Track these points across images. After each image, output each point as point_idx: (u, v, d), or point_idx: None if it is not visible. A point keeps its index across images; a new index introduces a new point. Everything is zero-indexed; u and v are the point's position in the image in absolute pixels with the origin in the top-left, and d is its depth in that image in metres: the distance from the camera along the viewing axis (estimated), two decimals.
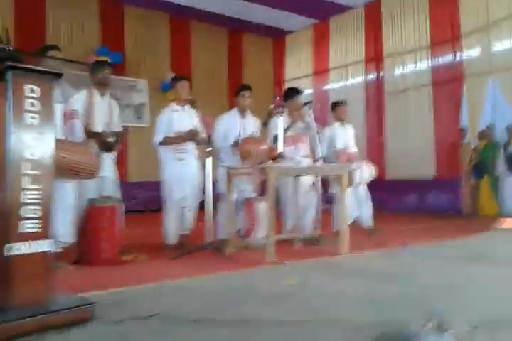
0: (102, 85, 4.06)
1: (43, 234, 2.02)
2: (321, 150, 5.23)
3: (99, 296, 2.67)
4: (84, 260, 3.68)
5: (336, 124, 5.38)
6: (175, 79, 4.50)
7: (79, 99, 3.91)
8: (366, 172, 5.03)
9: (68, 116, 3.47)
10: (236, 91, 4.71)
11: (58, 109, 3.36)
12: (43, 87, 1.96)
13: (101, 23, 8.85)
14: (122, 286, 2.90)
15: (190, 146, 4.38)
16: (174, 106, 4.47)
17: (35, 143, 1.93)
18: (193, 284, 3.03)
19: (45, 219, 2.02)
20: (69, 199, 3.49)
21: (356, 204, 5.27)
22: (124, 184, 8.58)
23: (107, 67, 4.11)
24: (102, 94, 4.07)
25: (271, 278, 3.20)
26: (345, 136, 5.35)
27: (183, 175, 4.30)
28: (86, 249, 3.70)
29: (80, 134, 3.58)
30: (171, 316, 2.25)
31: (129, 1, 8.98)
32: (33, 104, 1.93)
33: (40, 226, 1.99)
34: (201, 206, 4.24)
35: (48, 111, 1.98)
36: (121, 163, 8.75)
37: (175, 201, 4.33)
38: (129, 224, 4.58)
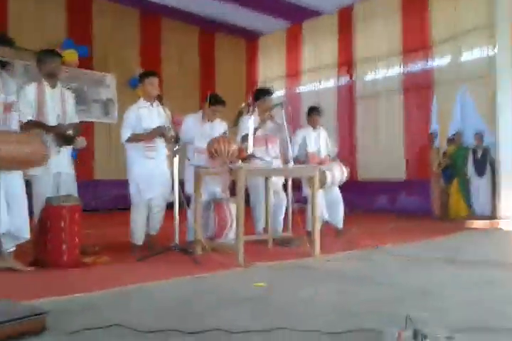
0: (51, 76, 3.86)
1: None
2: (292, 152, 5.19)
3: (55, 303, 2.49)
4: (41, 261, 3.47)
5: (309, 128, 5.35)
6: (143, 75, 4.32)
7: (29, 92, 3.75)
8: (338, 174, 4.98)
9: (7, 107, 3.23)
10: (209, 99, 4.47)
11: None
12: None
13: (67, 14, 8.56)
14: (80, 292, 2.71)
15: (160, 144, 4.21)
16: (142, 102, 4.29)
17: None
18: (157, 289, 2.87)
19: None
20: (19, 191, 3.26)
21: (328, 205, 5.21)
22: (91, 181, 8.43)
23: (56, 57, 3.90)
24: (53, 86, 3.88)
25: (239, 281, 3.08)
26: (318, 140, 5.31)
27: (152, 174, 4.13)
28: (44, 250, 3.48)
29: (15, 127, 3.33)
30: (130, 326, 2.09)
31: None
32: None
33: None
34: (170, 205, 4.07)
35: None
36: (87, 160, 8.58)
37: (143, 200, 4.16)
38: (95, 224, 4.41)
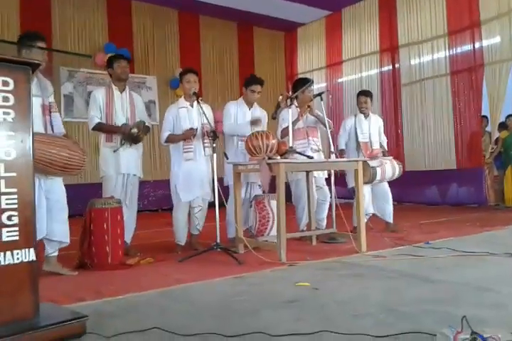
0: (119, 80, 4.07)
1: (24, 243, 1.83)
2: (339, 143, 5.02)
3: (96, 306, 2.50)
4: (86, 264, 3.51)
5: (360, 116, 5.10)
6: (181, 74, 4.30)
7: (98, 96, 3.98)
8: (389, 171, 4.74)
9: (46, 108, 3.27)
10: (245, 81, 4.46)
11: (37, 101, 3.16)
12: (18, 79, 1.76)
13: (108, 18, 8.68)
14: (122, 293, 2.71)
15: (199, 144, 4.17)
16: (181, 102, 4.28)
17: (9, 142, 1.74)
18: (199, 290, 2.82)
19: (25, 225, 1.83)
20: (60, 196, 3.29)
21: (375, 200, 5.01)
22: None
23: (122, 61, 4.08)
24: (122, 90, 4.08)
25: (282, 281, 2.98)
26: (368, 129, 5.05)
27: (191, 176, 4.12)
28: (88, 253, 3.53)
29: (60, 128, 3.38)
30: (170, 329, 2.04)
31: None
32: (6, 98, 1.74)
33: (19, 233, 1.80)
34: (212, 204, 4.03)
35: (24, 105, 1.79)
36: None
37: (183, 201, 4.15)
38: (142, 224, 4.44)
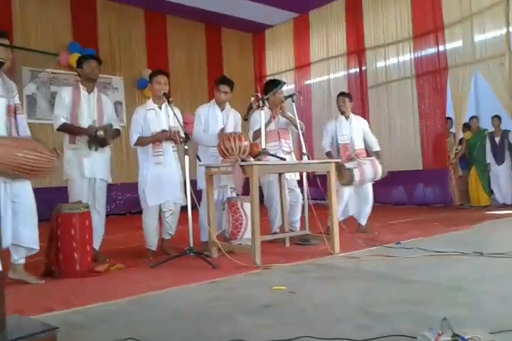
0: (88, 81, 3.96)
1: None
2: (323, 146, 5.05)
3: (66, 316, 2.40)
4: (54, 272, 3.38)
5: (340, 117, 5.12)
6: (151, 75, 4.21)
7: (64, 95, 3.85)
8: (369, 171, 4.76)
9: (12, 110, 3.14)
10: (215, 82, 4.42)
11: (1, 102, 3.05)
12: None
13: (72, 16, 8.43)
14: (92, 302, 2.61)
15: (168, 147, 4.09)
16: (150, 104, 4.17)
17: None
18: (173, 297, 2.75)
19: None
20: (28, 200, 3.16)
21: (357, 200, 5.04)
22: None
23: (92, 61, 3.96)
24: (90, 91, 3.97)
25: (258, 285, 2.94)
26: (349, 130, 5.06)
27: (162, 179, 4.02)
28: (55, 260, 3.39)
29: (26, 130, 3.25)
30: (147, 338, 1.97)
31: None
32: None
33: None
34: (184, 207, 3.95)
35: None
36: None
37: (152, 206, 4.05)
38: (110, 229, 4.33)
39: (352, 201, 5.01)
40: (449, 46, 7.66)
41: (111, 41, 8.93)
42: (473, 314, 2.17)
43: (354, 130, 5.09)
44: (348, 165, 4.61)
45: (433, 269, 3.20)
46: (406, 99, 8.27)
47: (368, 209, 5.08)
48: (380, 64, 8.68)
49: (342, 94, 5.22)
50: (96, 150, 3.87)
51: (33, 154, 2.82)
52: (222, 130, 4.26)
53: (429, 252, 3.70)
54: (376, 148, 5.24)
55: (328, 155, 5.05)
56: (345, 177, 4.67)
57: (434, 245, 3.97)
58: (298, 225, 4.67)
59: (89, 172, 3.87)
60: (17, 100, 3.23)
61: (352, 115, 5.18)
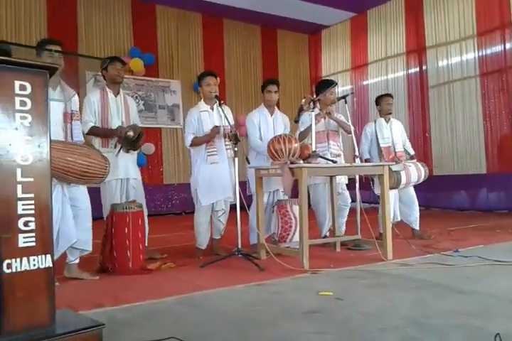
0: (113, 83, 3.99)
1: (40, 249, 1.80)
2: (361, 150, 4.90)
3: (114, 312, 2.47)
4: (108, 269, 3.50)
5: (380, 120, 4.98)
6: (200, 76, 4.25)
7: (93, 99, 3.88)
8: (414, 174, 4.60)
9: (68, 117, 3.25)
10: (262, 86, 4.43)
11: (59, 108, 3.17)
12: (35, 83, 1.74)
13: (133, 23, 8.76)
14: (141, 300, 2.67)
15: (222, 147, 4.12)
16: (202, 105, 4.22)
17: (26, 147, 1.72)
18: (219, 298, 2.76)
19: (42, 231, 1.80)
20: (84, 204, 3.29)
21: (402, 205, 4.87)
22: (160, 186, 8.63)
23: (117, 63, 3.98)
24: (116, 93, 4.00)
25: (304, 289, 2.89)
26: (391, 133, 4.92)
27: (215, 179, 4.06)
28: (109, 257, 3.51)
29: (79, 137, 3.35)
30: (188, 338, 1.99)
31: (160, 1, 8.85)
32: (23, 103, 1.71)
33: (36, 239, 1.77)
34: (234, 207, 3.97)
35: (41, 110, 1.76)
36: (156, 165, 8.78)
37: (204, 205, 4.10)
38: (165, 228, 4.42)
39: (397, 206, 4.83)
40: None
41: (169, 46, 9.18)
42: None
43: (395, 132, 4.93)
44: (394, 167, 4.45)
45: (492, 280, 3.01)
46: (469, 99, 7.88)
47: (416, 212, 4.88)
48: (442, 63, 8.32)
49: (388, 95, 5.07)
50: (127, 152, 3.89)
51: (84, 160, 2.93)
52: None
53: (489, 261, 3.48)
54: (412, 152, 5.10)
55: (368, 161, 4.88)
56: (391, 179, 4.50)
57: (495, 254, 3.73)
58: (344, 228, 4.54)
59: (123, 173, 3.90)
60: (74, 106, 3.33)
61: (391, 117, 5.02)
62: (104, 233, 3.58)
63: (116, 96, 3.99)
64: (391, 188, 4.56)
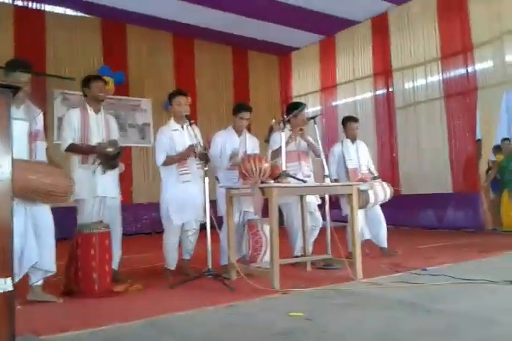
0: (95, 101, 3.97)
1: (0, 272, 1.73)
2: (329, 171, 4.95)
3: (81, 336, 2.38)
4: (72, 291, 3.38)
5: (347, 141, 5.07)
6: (171, 95, 4.24)
7: (73, 117, 3.85)
8: (380, 193, 4.68)
9: (33, 136, 3.18)
10: (234, 109, 4.44)
11: (23, 127, 3.11)
12: None
13: (103, 42, 8.74)
14: (108, 324, 2.58)
15: (193, 166, 4.09)
16: (173, 124, 4.20)
17: None
18: (188, 320, 2.70)
19: (3, 254, 1.73)
20: (47, 223, 3.19)
21: (369, 224, 4.93)
22: (130, 206, 8.48)
23: (99, 82, 3.98)
24: (97, 111, 3.97)
25: (275, 310, 2.86)
26: (357, 155, 5.01)
27: (185, 198, 4.01)
28: (74, 279, 3.40)
29: (43, 157, 3.26)
30: None
31: (131, 20, 8.86)
32: None
33: None
34: (203, 227, 3.92)
35: (3, 129, 1.72)
36: (126, 184, 8.64)
37: (176, 225, 4.04)
38: (134, 248, 4.33)
39: (365, 225, 4.89)
40: (478, 67, 7.52)
41: (140, 65, 9.17)
42: None
43: (361, 154, 5.04)
44: (362, 186, 4.51)
45: (460, 298, 3.04)
46: (435, 120, 8.12)
47: (383, 231, 4.96)
48: (408, 85, 8.58)
49: (353, 119, 5.16)
50: (104, 172, 3.83)
51: (48, 178, 2.86)
52: (234, 153, 4.23)
53: (457, 280, 3.52)
54: (375, 173, 5.20)
55: (336, 182, 4.93)
56: (360, 199, 4.56)
57: (463, 272, 3.79)
58: (311, 248, 4.53)
59: (101, 191, 3.83)
60: (39, 126, 3.27)
61: (357, 139, 5.13)
62: (69, 254, 3.47)
63: (97, 114, 3.96)
64: (360, 208, 4.62)
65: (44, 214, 3.18)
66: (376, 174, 5.20)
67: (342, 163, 4.98)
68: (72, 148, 3.84)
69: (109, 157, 3.80)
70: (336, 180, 4.92)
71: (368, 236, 4.91)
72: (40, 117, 3.32)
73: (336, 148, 5.10)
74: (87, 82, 3.99)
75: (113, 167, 3.89)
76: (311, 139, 4.53)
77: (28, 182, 2.79)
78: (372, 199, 4.57)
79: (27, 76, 3.17)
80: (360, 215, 4.74)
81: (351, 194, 3.88)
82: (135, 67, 9.10)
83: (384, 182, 4.88)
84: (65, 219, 4.08)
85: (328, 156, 5.09)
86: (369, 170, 5.14)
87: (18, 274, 3.05)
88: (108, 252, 3.53)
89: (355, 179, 4.82)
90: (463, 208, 7.70)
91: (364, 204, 4.54)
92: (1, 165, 1.71)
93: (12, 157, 1.75)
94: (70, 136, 3.83)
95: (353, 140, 5.09)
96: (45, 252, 3.15)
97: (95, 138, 3.86)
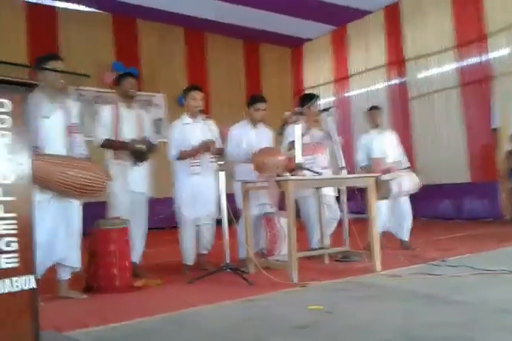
0: (127, 97, 4.03)
1: (24, 269, 1.75)
2: (355, 160, 5.00)
3: (101, 332, 2.40)
4: (93, 287, 3.43)
5: (373, 131, 5.04)
6: (186, 90, 4.26)
7: (105, 113, 3.95)
8: (406, 183, 4.63)
9: (69, 130, 3.27)
10: (249, 101, 4.41)
11: (60, 122, 3.21)
12: (14, 99, 1.71)
13: (115, 37, 8.77)
14: (128, 319, 2.60)
15: (206, 159, 4.10)
16: (186, 118, 4.22)
17: (7, 165, 1.68)
18: (208, 314, 2.71)
19: (25, 251, 1.75)
20: (75, 221, 3.24)
21: (395, 216, 4.88)
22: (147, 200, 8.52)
23: (130, 79, 4.06)
24: (129, 107, 4.04)
25: (294, 303, 2.86)
26: (383, 144, 4.96)
27: (197, 192, 4.03)
28: (95, 275, 3.44)
29: (80, 150, 3.35)
30: None
31: (142, 15, 8.88)
32: (2, 120, 1.68)
33: (18, 260, 1.72)
34: (220, 222, 3.93)
35: (21, 127, 1.73)
36: None
37: (188, 219, 4.06)
38: (151, 243, 4.36)
39: (389, 216, 4.85)
40: (494, 55, 7.38)
41: (152, 59, 9.19)
42: None
43: (387, 144, 4.98)
44: (384, 177, 4.47)
45: (480, 289, 3.01)
46: (451, 109, 8.02)
47: (408, 223, 4.90)
48: (422, 74, 8.47)
49: (376, 107, 5.10)
50: (137, 165, 3.92)
51: (85, 174, 2.91)
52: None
53: (477, 271, 3.49)
54: (407, 163, 5.12)
55: (364, 169, 4.92)
56: (382, 189, 4.52)
57: (483, 263, 3.75)
58: (329, 240, 4.52)
59: (133, 186, 3.92)
60: (74, 120, 3.35)
61: (385, 129, 5.07)
62: (88, 251, 3.51)
63: (129, 110, 4.02)
64: (383, 198, 4.60)
65: (75, 211, 3.23)
66: (407, 165, 5.10)
67: (368, 152, 4.96)
68: (106, 144, 3.93)
69: (141, 153, 3.89)
70: (364, 168, 4.91)
71: (387, 228, 4.87)
72: (76, 111, 3.40)
73: (362, 138, 5.09)
74: (118, 79, 4.10)
75: (142, 160, 3.95)
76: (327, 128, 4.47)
77: (64, 177, 2.84)
78: (395, 190, 4.53)
79: (61, 64, 3.21)
80: (384, 207, 4.72)
81: (368, 186, 3.85)
82: (147, 62, 9.12)
83: (413, 173, 4.81)
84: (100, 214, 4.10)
85: (356, 145, 5.10)
86: (399, 160, 5.05)
87: (43, 270, 3.13)
88: (127, 247, 3.56)
89: (379, 169, 4.78)
90: (481, 198, 7.62)
91: (387, 194, 4.50)
92: (21, 163, 1.73)
93: (31, 154, 1.76)
94: (102, 132, 3.92)
95: (379, 129, 5.02)
96: (72, 249, 3.21)
97: (128, 134, 3.93)
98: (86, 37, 8.46)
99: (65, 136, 3.23)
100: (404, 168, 5.00)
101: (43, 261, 3.08)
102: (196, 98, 4.13)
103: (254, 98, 4.44)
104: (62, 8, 8.36)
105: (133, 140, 3.88)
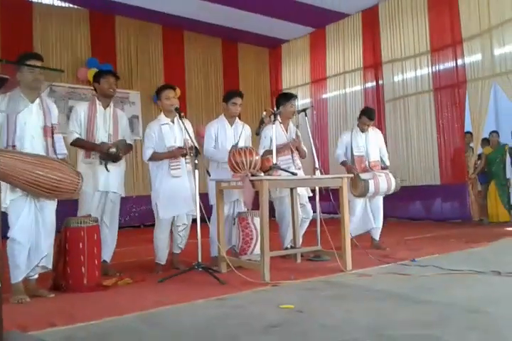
0: (104, 96, 3.97)
1: None
2: (336, 155, 5.10)
3: (68, 331, 2.36)
4: (62, 285, 3.36)
5: (356, 129, 5.08)
6: (159, 90, 4.20)
7: (80, 111, 3.88)
8: (384, 184, 4.70)
9: (50, 130, 3.22)
10: (225, 96, 4.39)
11: (38, 121, 3.17)
12: None
13: (91, 33, 8.61)
14: (96, 318, 2.56)
15: (182, 160, 4.07)
16: (162, 118, 4.15)
17: None
18: (178, 314, 2.70)
19: None
20: (50, 220, 3.20)
21: (368, 215, 4.95)
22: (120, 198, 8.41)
23: (109, 77, 3.97)
24: (106, 106, 3.97)
25: (266, 302, 2.87)
26: (365, 143, 5.01)
27: (176, 192, 3.99)
28: (63, 274, 3.37)
29: (61, 149, 3.31)
30: None
31: (120, 12, 8.75)
32: None
33: None
34: (194, 220, 3.92)
35: None
36: None
37: (164, 219, 4.03)
38: (122, 241, 4.31)
39: (360, 217, 4.92)
40: (467, 60, 7.55)
41: (128, 56, 9.07)
42: (489, 338, 2.06)
43: (370, 142, 5.03)
44: (363, 176, 4.54)
45: (448, 289, 3.08)
46: (424, 113, 8.16)
47: (379, 223, 4.97)
48: (398, 78, 8.60)
49: (370, 116, 5.00)
50: (106, 165, 3.85)
51: (55, 174, 2.86)
52: (235, 146, 4.20)
53: (445, 271, 3.57)
54: (387, 162, 5.16)
55: (344, 164, 4.99)
56: (360, 187, 4.61)
57: (450, 263, 3.84)
58: (301, 240, 4.54)
59: (103, 185, 3.86)
60: (54, 120, 3.30)
61: (369, 128, 5.11)
62: (57, 249, 3.44)
63: (105, 109, 3.95)
64: (358, 196, 4.68)
65: (49, 211, 3.19)
66: (388, 164, 5.15)
67: (349, 150, 5.01)
68: (77, 143, 3.88)
69: (112, 156, 3.82)
70: (343, 163, 4.99)
71: (361, 232, 4.95)
72: (56, 111, 3.36)
73: (344, 135, 5.13)
74: (97, 76, 4.01)
75: (114, 160, 3.89)
76: (302, 144, 4.50)
77: (35, 177, 2.80)
78: (372, 189, 4.60)
79: (39, 70, 3.13)
80: (359, 204, 4.79)
81: (341, 187, 3.88)
82: (123, 59, 8.99)
83: (391, 174, 4.88)
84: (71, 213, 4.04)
85: (337, 141, 5.20)
86: (381, 159, 5.11)
87: (27, 269, 3.10)
88: (97, 246, 3.50)
89: (360, 166, 4.84)
90: (450, 199, 7.80)
91: (364, 192, 4.56)
92: None
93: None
94: (75, 130, 3.87)
95: (363, 130, 5.06)
96: (50, 249, 3.18)
97: (101, 134, 3.88)
98: (62, 32, 8.29)
99: (44, 135, 3.18)
100: (384, 168, 5.07)
101: (32, 259, 3.08)
102: (169, 97, 4.09)
103: (231, 92, 4.42)
104: (38, 3, 8.17)
105: (103, 143, 3.82)
